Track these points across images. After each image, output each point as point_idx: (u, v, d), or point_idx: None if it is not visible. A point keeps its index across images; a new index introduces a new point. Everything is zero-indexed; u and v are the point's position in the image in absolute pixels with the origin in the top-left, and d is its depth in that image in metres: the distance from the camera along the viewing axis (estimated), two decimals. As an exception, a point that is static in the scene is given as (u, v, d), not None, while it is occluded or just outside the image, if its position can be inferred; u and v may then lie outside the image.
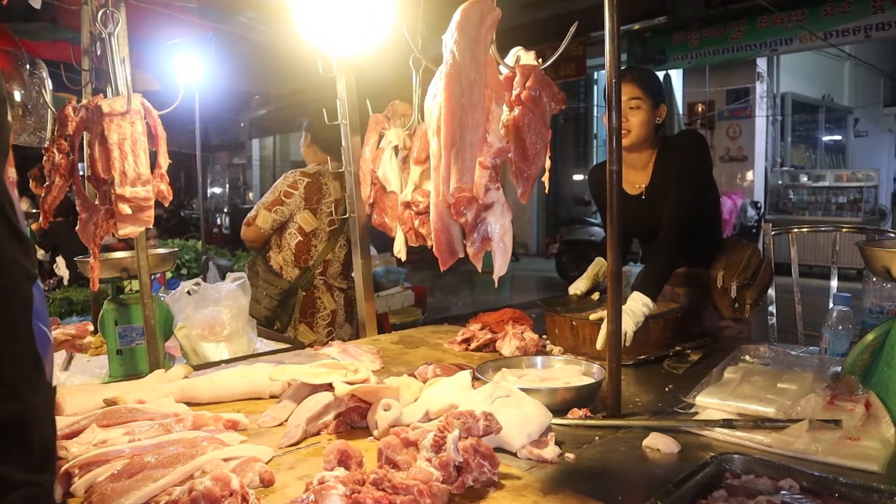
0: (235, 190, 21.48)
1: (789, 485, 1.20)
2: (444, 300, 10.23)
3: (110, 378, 2.40)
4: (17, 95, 2.89)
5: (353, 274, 5.44)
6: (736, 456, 1.31)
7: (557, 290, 10.41)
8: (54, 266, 5.71)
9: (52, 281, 5.74)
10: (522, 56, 1.67)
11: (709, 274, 2.77)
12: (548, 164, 1.65)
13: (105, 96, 1.92)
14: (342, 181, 3.46)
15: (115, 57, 1.88)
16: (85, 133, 1.90)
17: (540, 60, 1.69)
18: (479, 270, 1.56)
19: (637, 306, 2.34)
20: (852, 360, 1.69)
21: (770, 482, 1.22)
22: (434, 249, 1.50)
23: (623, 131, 2.63)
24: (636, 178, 2.77)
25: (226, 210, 18.74)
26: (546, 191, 1.86)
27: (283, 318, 3.42)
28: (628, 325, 2.27)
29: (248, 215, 3.47)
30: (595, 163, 14.73)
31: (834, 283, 3.11)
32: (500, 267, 1.49)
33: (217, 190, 21.94)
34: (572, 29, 1.53)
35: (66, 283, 5.52)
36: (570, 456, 1.50)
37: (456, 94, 1.35)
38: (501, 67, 1.59)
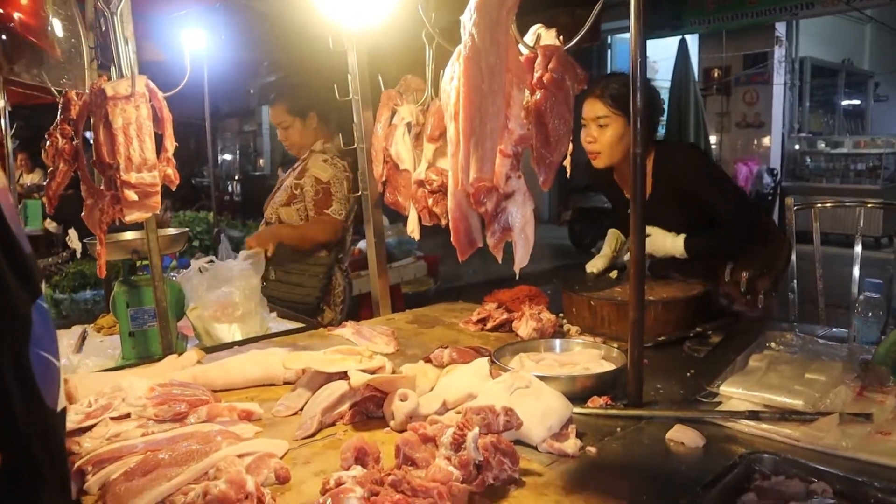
0: (246, 157, 21.38)
1: (822, 489, 1.15)
2: (457, 268, 10.16)
3: (123, 360, 2.38)
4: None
5: (355, 248, 5.37)
6: (766, 455, 1.26)
7: (570, 258, 10.38)
8: (67, 239, 5.71)
9: (65, 254, 5.74)
10: (543, 34, 1.60)
11: (718, 266, 2.70)
12: (570, 147, 1.58)
13: (109, 77, 1.86)
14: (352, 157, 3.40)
15: (118, 36, 1.82)
16: (90, 116, 1.85)
17: (561, 38, 1.61)
18: (500, 261, 1.51)
19: (668, 238, 2.52)
20: (884, 351, 1.64)
21: (801, 484, 1.19)
22: (452, 239, 1.45)
23: (591, 153, 2.61)
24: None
25: (237, 177, 18.67)
26: (567, 175, 1.79)
27: (323, 300, 3.38)
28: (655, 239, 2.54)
29: (334, 218, 3.29)
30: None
31: (858, 249, 3.01)
32: (522, 258, 1.44)
33: (228, 157, 21.85)
34: (597, 8, 1.45)
35: (78, 255, 5.52)
36: (591, 450, 1.47)
37: (475, 79, 1.28)
38: (521, 47, 1.52)
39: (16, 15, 1.12)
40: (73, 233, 4.94)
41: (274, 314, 2.87)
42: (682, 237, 2.53)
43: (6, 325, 0.75)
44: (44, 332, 0.79)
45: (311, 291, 3.31)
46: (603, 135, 2.54)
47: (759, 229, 2.68)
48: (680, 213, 2.61)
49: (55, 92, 1.87)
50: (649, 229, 2.56)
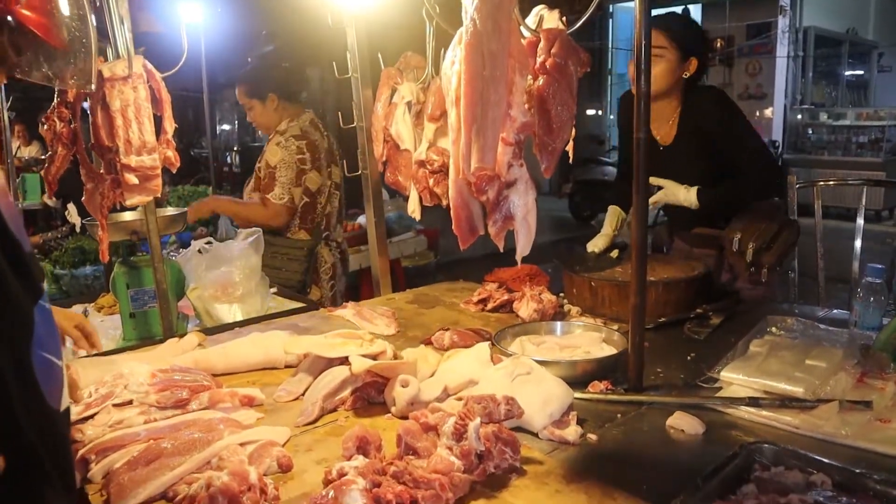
0: (245, 128, 21.21)
1: (821, 480, 1.16)
2: (457, 242, 10.16)
3: (124, 341, 2.38)
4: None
5: (350, 223, 5.33)
6: (766, 446, 1.27)
7: (570, 231, 10.35)
8: (66, 213, 5.69)
9: (64, 228, 5.71)
10: (546, 16, 1.57)
11: (725, 235, 2.69)
12: (572, 132, 1.56)
13: (105, 58, 1.83)
14: (318, 127, 3.39)
15: (113, 15, 1.78)
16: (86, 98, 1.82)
17: (564, 20, 1.58)
18: (501, 250, 1.50)
19: (681, 190, 2.54)
20: (885, 338, 1.64)
21: (801, 475, 1.19)
22: (454, 228, 1.44)
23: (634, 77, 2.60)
24: (658, 130, 2.68)
25: (235, 148, 18.53)
26: (570, 160, 1.77)
27: (309, 279, 3.36)
28: (668, 191, 2.58)
29: (274, 202, 3.23)
30: (609, 98, 14.41)
31: (860, 222, 3.01)
32: (524, 247, 1.43)
33: (226, 127, 21.67)
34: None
35: (77, 230, 5.49)
36: (592, 437, 1.47)
37: (477, 65, 1.26)
38: (524, 30, 1.50)
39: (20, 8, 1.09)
40: (72, 207, 4.92)
41: (274, 289, 2.86)
42: (695, 189, 2.56)
43: (8, 326, 0.74)
44: (46, 333, 0.78)
45: (292, 275, 3.29)
46: (655, 65, 2.50)
47: (776, 183, 2.74)
48: (698, 161, 2.64)
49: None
50: (662, 181, 2.61)
